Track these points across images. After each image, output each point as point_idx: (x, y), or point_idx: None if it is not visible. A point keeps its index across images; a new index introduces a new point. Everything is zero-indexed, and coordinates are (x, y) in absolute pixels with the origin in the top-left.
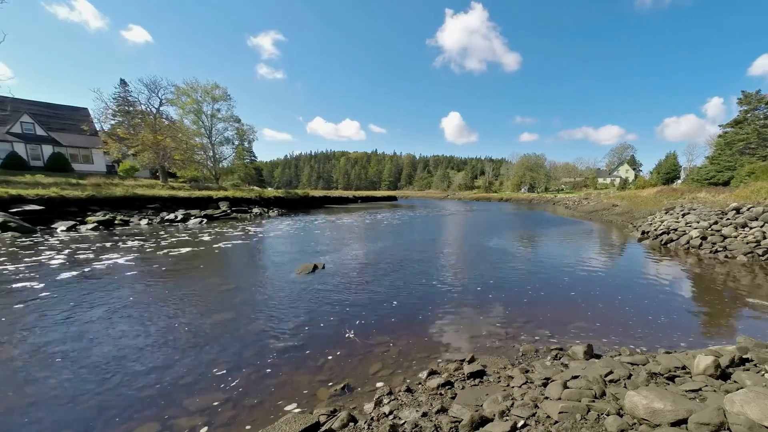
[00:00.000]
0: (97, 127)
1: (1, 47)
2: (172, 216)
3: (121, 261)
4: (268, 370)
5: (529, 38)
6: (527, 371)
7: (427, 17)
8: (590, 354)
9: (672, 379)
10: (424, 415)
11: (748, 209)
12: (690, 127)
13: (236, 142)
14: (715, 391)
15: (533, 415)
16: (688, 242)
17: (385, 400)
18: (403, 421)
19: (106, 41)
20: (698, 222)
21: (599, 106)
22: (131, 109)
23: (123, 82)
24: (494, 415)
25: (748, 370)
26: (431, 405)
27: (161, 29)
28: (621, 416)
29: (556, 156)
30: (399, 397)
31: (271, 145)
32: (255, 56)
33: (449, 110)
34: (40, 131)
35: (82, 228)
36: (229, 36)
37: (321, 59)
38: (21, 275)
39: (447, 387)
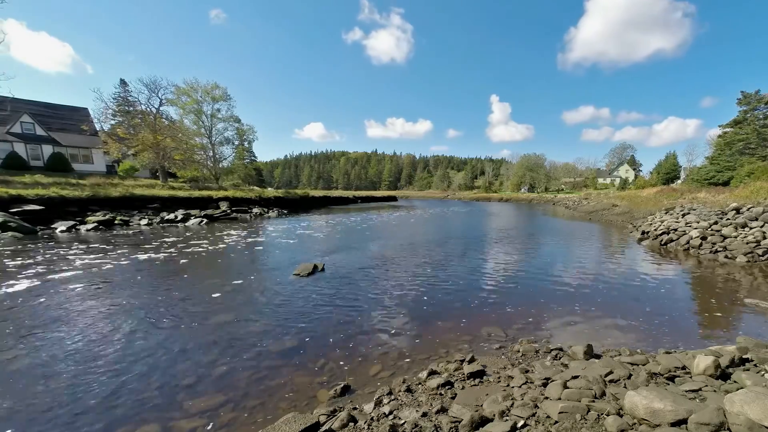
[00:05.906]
0: (97, 127)
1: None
2: (172, 216)
3: (120, 261)
4: (268, 372)
5: None
6: (527, 371)
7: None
8: (590, 354)
9: (672, 379)
10: (424, 415)
11: (748, 209)
12: None
13: (236, 142)
14: (715, 391)
15: (533, 415)
16: (687, 242)
17: (385, 400)
18: (403, 421)
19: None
20: (698, 222)
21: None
22: (131, 109)
23: (123, 82)
24: (494, 415)
25: (748, 370)
26: (431, 405)
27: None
28: (621, 416)
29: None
30: (399, 397)
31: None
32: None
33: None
34: (40, 131)
35: (82, 228)
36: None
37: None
38: (20, 276)
39: (447, 387)
